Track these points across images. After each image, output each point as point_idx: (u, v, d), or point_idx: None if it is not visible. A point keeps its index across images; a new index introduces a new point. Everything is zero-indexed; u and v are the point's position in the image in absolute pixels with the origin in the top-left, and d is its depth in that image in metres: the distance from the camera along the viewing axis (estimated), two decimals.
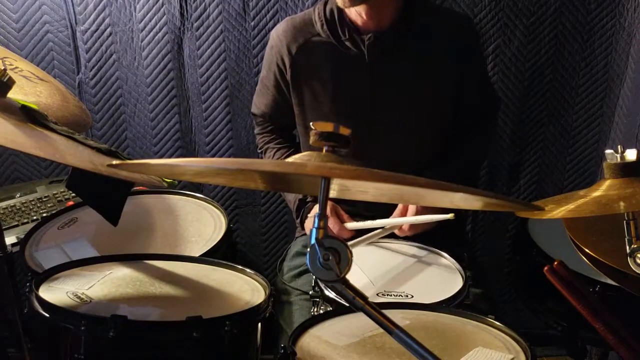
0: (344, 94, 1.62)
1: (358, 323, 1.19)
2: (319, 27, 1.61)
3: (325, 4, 1.62)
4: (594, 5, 2.10)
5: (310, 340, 1.16)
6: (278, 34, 1.67)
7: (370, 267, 1.45)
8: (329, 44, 1.60)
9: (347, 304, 0.93)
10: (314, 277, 1.57)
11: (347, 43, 1.58)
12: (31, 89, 1.35)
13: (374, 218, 1.61)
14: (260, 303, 1.17)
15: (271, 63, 1.70)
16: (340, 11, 1.59)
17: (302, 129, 1.73)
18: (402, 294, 1.37)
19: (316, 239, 0.85)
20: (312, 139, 0.91)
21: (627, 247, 1.08)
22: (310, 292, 1.37)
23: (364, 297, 0.87)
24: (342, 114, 1.62)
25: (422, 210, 1.55)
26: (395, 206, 1.61)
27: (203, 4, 2.08)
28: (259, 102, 1.80)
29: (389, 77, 1.60)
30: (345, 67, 1.60)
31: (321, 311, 1.33)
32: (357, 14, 1.57)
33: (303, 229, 1.77)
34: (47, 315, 1.10)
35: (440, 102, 1.66)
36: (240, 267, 1.32)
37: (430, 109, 1.65)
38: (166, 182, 1.25)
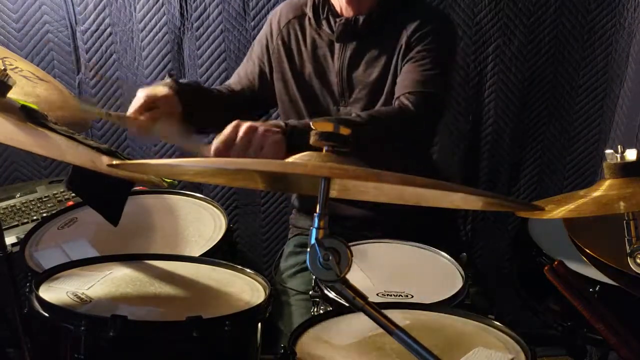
0: (318, 72, 1.68)
1: (358, 323, 1.19)
2: (308, 7, 1.68)
3: None
4: (594, 5, 2.10)
5: (310, 340, 1.16)
6: (275, 10, 1.78)
7: (370, 267, 1.45)
8: (312, 23, 1.67)
9: (347, 304, 0.93)
10: (312, 277, 1.58)
11: (324, 24, 1.65)
12: (31, 89, 1.35)
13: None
14: (261, 303, 1.16)
15: (261, 35, 1.77)
16: None
17: (285, 103, 1.73)
18: (402, 294, 1.37)
19: (316, 238, 0.85)
20: (312, 139, 0.91)
21: (627, 247, 1.08)
22: (310, 292, 1.37)
23: (364, 297, 0.87)
24: (316, 90, 1.68)
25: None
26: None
27: (203, 4, 2.08)
28: (237, 72, 1.82)
29: (355, 61, 1.63)
30: (321, 46, 1.67)
31: (321, 311, 1.33)
32: None
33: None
34: (47, 315, 1.09)
35: None
36: (240, 267, 1.32)
37: (392, 98, 1.62)
38: (166, 182, 1.25)
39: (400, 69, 1.59)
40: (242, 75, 1.79)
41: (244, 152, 1.28)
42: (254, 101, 1.76)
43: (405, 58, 1.59)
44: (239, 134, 1.29)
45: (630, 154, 1.09)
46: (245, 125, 1.29)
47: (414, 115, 1.50)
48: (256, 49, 1.77)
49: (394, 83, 1.61)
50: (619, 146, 1.10)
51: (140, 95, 1.49)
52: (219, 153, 1.28)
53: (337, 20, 1.62)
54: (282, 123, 1.37)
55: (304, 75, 1.69)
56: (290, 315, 1.57)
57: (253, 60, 1.76)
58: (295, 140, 1.31)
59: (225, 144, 1.28)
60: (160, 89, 1.52)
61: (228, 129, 1.30)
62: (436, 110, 1.62)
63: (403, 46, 1.59)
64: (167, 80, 1.56)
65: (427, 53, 1.57)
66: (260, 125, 1.31)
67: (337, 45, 1.64)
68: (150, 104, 1.49)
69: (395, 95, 1.57)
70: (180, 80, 1.60)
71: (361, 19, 1.60)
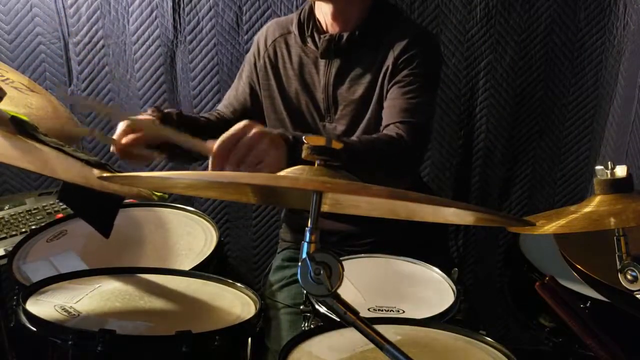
0: (304, 88, 1.68)
1: (349, 338, 1.19)
2: (293, 24, 1.69)
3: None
4: (583, 23, 2.13)
5: (301, 355, 1.15)
6: (262, 30, 1.78)
7: (361, 281, 1.45)
8: (297, 40, 1.68)
9: (338, 319, 0.93)
10: (300, 290, 1.57)
11: (309, 41, 1.66)
12: (22, 100, 1.35)
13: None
14: (251, 318, 1.16)
15: (250, 55, 1.77)
16: (312, 11, 1.66)
17: (272, 120, 1.72)
18: (394, 309, 1.36)
19: (307, 253, 0.85)
20: (304, 153, 0.91)
21: (618, 263, 1.08)
22: (301, 307, 1.36)
23: (355, 312, 0.87)
24: (302, 107, 1.68)
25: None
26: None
27: (196, 17, 2.08)
28: (227, 95, 1.80)
29: (340, 77, 1.64)
30: (307, 63, 1.67)
31: (312, 326, 1.33)
32: (324, 14, 1.64)
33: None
34: (34, 329, 1.08)
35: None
36: (230, 281, 1.32)
37: (378, 117, 1.62)
38: (156, 195, 1.24)
39: (387, 90, 1.59)
40: (233, 96, 1.78)
41: (244, 155, 1.21)
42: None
43: (391, 80, 1.58)
44: (247, 135, 1.22)
45: (620, 171, 1.09)
46: (255, 130, 1.23)
47: (408, 145, 1.50)
48: (246, 69, 1.77)
49: (379, 102, 1.61)
50: (609, 162, 1.11)
51: (122, 122, 1.45)
52: (222, 148, 1.22)
53: (322, 36, 1.63)
54: (288, 135, 1.30)
55: (290, 92, 1.69)
56: (277, 329, 1.57)
57: (243, 80, 1.77)
58: (296, 156, 1.25)
59: (232, 139, 1.22)
60: (143, 116, 1.50)
61: (238, 126, 1.24)
62: (426, 139, 1.63)
63: (390, 67, 1.59)
64: (151, 110, 1.53)
65: (415, 78, 1.56)
66: (269, 134, 1.25)
67: (322, 62, 1.64)
68: (133, 128, 1.42)
69: (385, 123, 1.56)
70: (166, 110, 1.55)
71: (345, 35, 1.60)
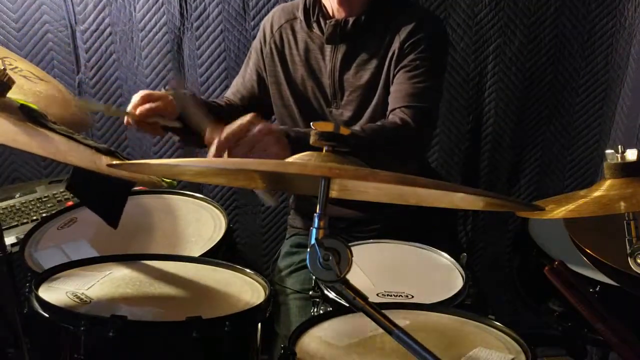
0: (310, 74, 1.67)
1: (358, 323, 1.19)
2: (299, 9, 1.68)
3: None
4: (594, 5, 2.10)
5: (310, 340, 1.16)
6: (268, 16, 1.77)
7: (370, 267, 1.45)
8: (303, 26, 1.67)
9: (347, 304, 0.93)
10: (308, 276, 1.58)
11: (315, 26, 1.65)
12: (31, 88, 1.35)
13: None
14: (260, 303, 1.16)
15: (256, 42, 1.77)
16: None
17: (279, 107, 1.72)
18: (402, 294, 1.36)
19: (316, 238, 0.85)
20: (312, 139, 0.91)
21: (628, 247, 1.08)
22: (311, 293, 1.37)
23: (364, 298, 0.87)
24: (308, 93, 1.68)
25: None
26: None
27: (203, 3, 2.08)
28: (235, 82, 1.81)
29: (346, 63, 1.63)
30: (313, 49, 1.67)
31: (321, 311, 1.33)
32: (330, 0, 1.63)
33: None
34: (47, 315, 1.09)
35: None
36: (240, 267, 1.32)
37: (384, 103, 1.61)
38: (165, 182, 1.25)
39: (393, 75, 1.58)
40: (240, 84, 1.77)
41: (249, 150, 1.23)
42: (255, 110, 1.73)
43: (398, 65, 1.57)
44: (252, 131, 1.23)
45: (631, 154, 1.09)
46: (260, 125, 1.24)
47: (414, 130, 1.49)
48: (253, 56, 1.76)
49: (385, 88, 1.60)
50: (619, 146, 1.10)
51: (138, 94, 1.50)
52: (226, 143, 1.22)
53: (327, 22, 1.62)
54: (290, 132, 1.32)
55: (296, 78, 1.68)
56: (286, 315, 1.58)
57: (250, 67, 1.76)
58: (298, 150, 1.26)
59: (236, 135, 1.23)
60: (158, 92, 1.53)
61: (242, 120, 1.24)
62: (432, 123, 1.62)
63: (396, 52, 1.57)
64: (166, 88, 1.56)
65: (421, 62, 1.55)
66: (273, 131, 1.26)
67: (328, 48, 1.64)
68: (148, 100, 1.48)
69: (390, 107, 1.55)
70: (181, 91, 1.58)
71: (351, 20, 1.59)
